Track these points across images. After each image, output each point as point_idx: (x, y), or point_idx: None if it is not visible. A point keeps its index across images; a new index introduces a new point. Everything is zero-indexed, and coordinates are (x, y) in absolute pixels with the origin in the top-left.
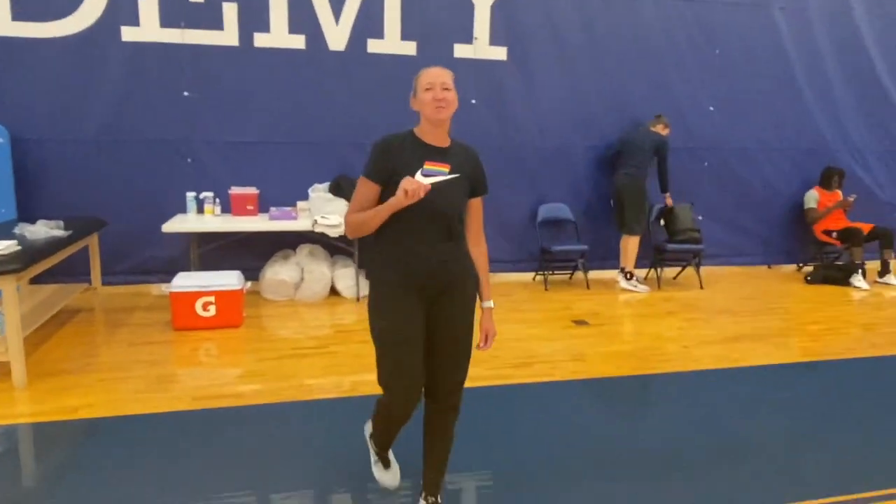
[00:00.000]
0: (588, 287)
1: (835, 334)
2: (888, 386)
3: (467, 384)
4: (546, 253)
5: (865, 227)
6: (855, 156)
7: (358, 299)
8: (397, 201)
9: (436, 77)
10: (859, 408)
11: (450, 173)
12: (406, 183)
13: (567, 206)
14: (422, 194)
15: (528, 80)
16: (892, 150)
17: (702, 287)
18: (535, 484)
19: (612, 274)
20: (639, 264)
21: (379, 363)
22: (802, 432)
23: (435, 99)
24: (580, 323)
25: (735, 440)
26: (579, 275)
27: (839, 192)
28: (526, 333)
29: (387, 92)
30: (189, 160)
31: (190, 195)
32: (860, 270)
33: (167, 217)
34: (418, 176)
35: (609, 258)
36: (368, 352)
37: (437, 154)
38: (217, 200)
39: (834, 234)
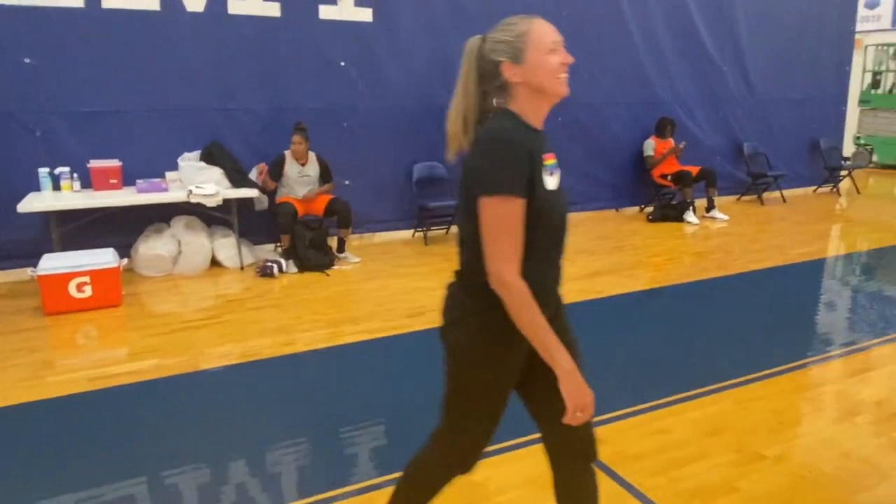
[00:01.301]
0: None
1: (674, 263)
2: (716, 302)
3: (368, 336)
4: (423, 210)
5: (694, 170)
6: (682, 107)
7: (242, 268)
8: (571, 382)
9: (557, 33)
10: (698, 321)
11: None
12: (590, 404)
13: (441, 164)
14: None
15: (395, 41)
16: (712, 101)
17: None
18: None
19: None
20: None
21: (469, 407)
22: (651, 346)
23: (563, 64)
24: None
25: (598, 357)
26: (455, 229)
27: (671, 140)
28: (414, 286)
29: (250, 55)
30: (37, 133)
31: (43, 171)
32: (691, 207)
33: (19, 197)
34: (546, 178)
35: None
36: (265, 317)
37: (544, 141)
38: (75, 175)
39: (669, 177)
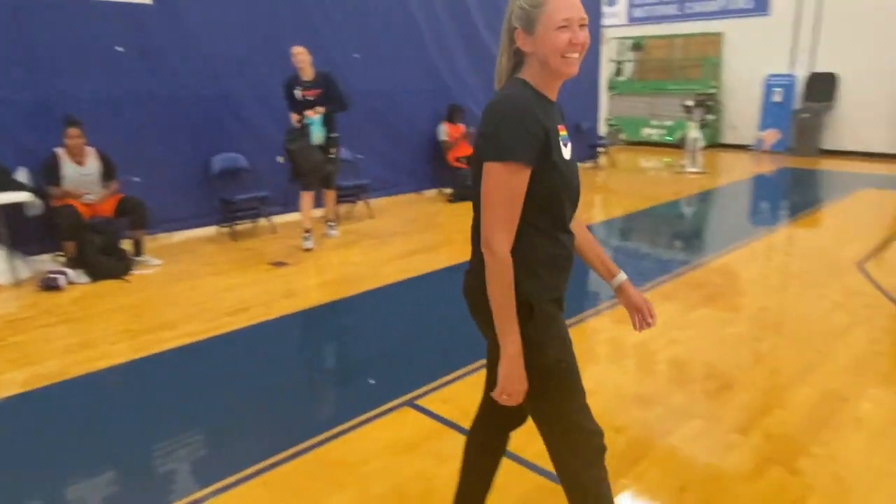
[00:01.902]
0: (276, 231)
1: (458, 241)
2: None
3: (190, 339)
4: (227, 204)
5: None
6: (469, 95)
7: (17, 283)
8: (511, 367)
9: (575, 9)
10: None
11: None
12: (518, 392)
13: (242, 155)
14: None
15: (180, 26)
16: (494, 91)
17: (372, 217)
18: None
19: (296, 217)
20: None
21: (564, 407)
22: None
23: (573, 44)
24: (279, 264)
25: (433, 325)
26: (263, 221)
27: (462, 125)
28: (229, 283)
29: (4, 38)
30: None
31: None
32: None
33: None
34: (563, 148)
35: (289, 203)
36: (60, 334)
37: (558, 112)
38: None
39: (463, 160)
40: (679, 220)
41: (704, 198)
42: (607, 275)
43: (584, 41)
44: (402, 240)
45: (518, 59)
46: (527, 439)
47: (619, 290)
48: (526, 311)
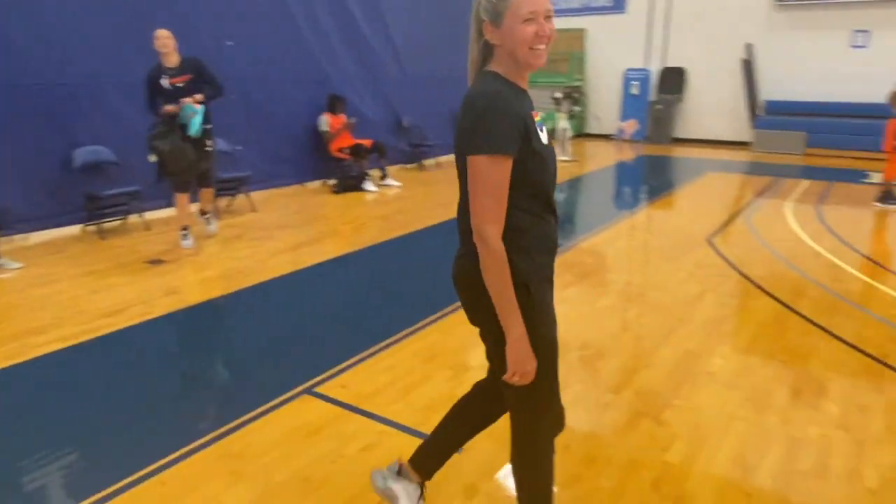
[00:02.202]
0: (149, 228)
1: (366, 228)
2: (409, 255)
3: (60, 345)
4: (93, 200)
5: (367, 143)
6: (349, 85)
7: None
8: (518, 349)
9: (540, 2)
10: (398, 272)
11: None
12: (530, 371)
13: (107, 148)
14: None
15: (27, 5)
16: (374, 81)
17: (255, 210)
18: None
19: (171, 212)
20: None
21: (537, 385)
22: (365, 299)
23: (538, 36)
24: (156, 262)
25: (323, 317)
26: (134, 218)
27: (343, 116)
28: (102, 283)
29: None
30: None
31: None
32: (368, 177)
33: None
34: (540, 133)
35: (161, 197)
36: None
37: (530, 100)
38: None
39: (346, 151)
40: None
41: (574, 184)
42: None
43: (550, 33)
44: (287, 232)
45: (487, 51)
46: (425, 415)
47: None
48: (523, 292)
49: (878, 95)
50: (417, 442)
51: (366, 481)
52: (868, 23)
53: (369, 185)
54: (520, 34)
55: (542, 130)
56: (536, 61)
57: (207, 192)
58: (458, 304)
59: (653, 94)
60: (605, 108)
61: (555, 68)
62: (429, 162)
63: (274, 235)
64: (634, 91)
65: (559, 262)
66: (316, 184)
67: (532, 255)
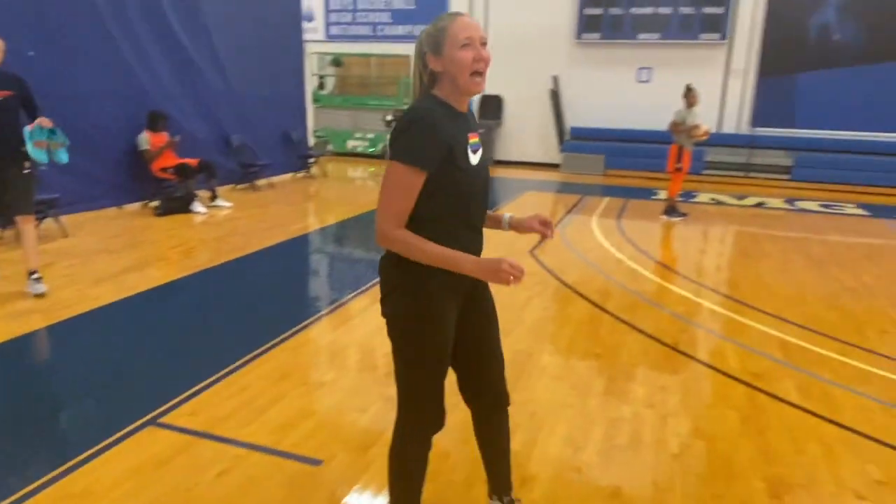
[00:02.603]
0: None
1: (198, 250)
2: (245, 276)
3: None
4: None
5: (193, 162)
6: (172, 102)
7: None
8: (482, 271)
9: (475, 30)
10: (237, 295)
11: (480, 141)
12: (508, 266)
13: None
14: (521, 279)
15: None
16: (197, 96)
17: (67, 236)
18: None
19: None
20: None
21: (412, 385)
22: (207, 322)
23: (476, 60)
24: None
25: (162, 344)
26: None
27: (166, 134)
28: None
29: None
30: None
31: None
32: (196, 198)
33: None
34: (470, 154)
35: None
36: None
37: (468, 122)
38: None
39: (170, 170)
40: None
41: None
42: (497, 224)
43: (486, 57)
44: (110, 258)
45: (432, 80)
46: (282, 434)
47: (513, 225)
48: (422, 300)
49: (662, 124)
50: (278, 461)
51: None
52: (650, 61)
53: (198, 207)
54: (459, 59)
55: (474, 151)
56: (475, 88)
57: (28, 228)
58: (304, 322)
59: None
60: None
61: (384, 91)
62: (261, 182)
63: (93, 262)
64: None
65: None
66: (136, 206)
67: (432, 272)
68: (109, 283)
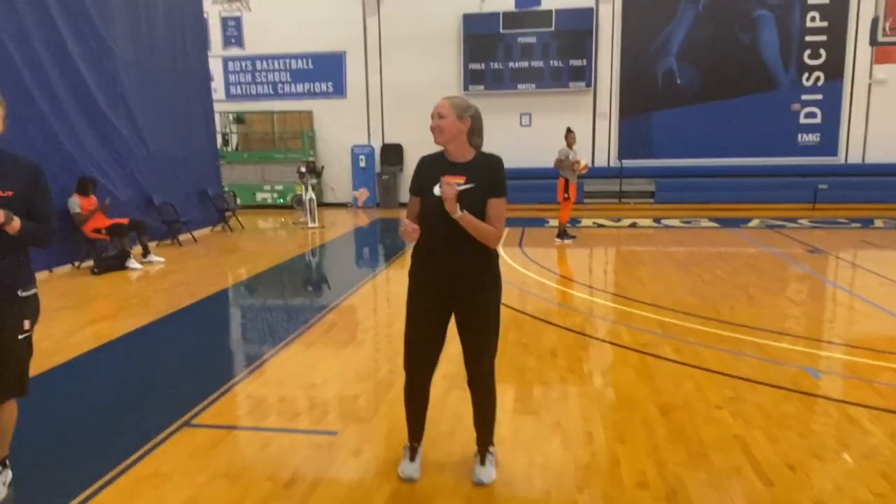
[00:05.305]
0: None
1: (148, 302)
2: (205, 320)
3: None
4: None
5: (124, 221)
6: (96, 167)
7: None
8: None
9: (435, 108)
10: (199, 341)
11: (466, 184)
12: (402, 229)
13: None
14: (413, 236)
15: None
16: (119, 160)
17: None
18: None
19: None
20: None
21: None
22: (165, 374)
23: (432, 127)
24: None
25: (135, 384)
26: None
27: (94, 197)
28: None
29: None
30: None
31: None
32: (130, 255)
33: None
34: (435, 188)
35: None
36: None
37: (456, 168)
38: None
39: (103, 231)
40: (310, 271)
41: (326, 248)
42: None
43: (436, 123)
44: (69, 315)
45: None
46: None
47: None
48: (409, 276)
49: (545, 161)
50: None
51: None
52: (530, 108)
53: (133, 263)
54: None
55: (440, 186)
56: (434, 141)
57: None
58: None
59: (378, 167)
60: (338, 179)
61: (290, 145)
62: (184, 237)
63: (53, 318)
64: (362, 164)
65: (321, 325)
66: (66, 268)
67: (414, 256)
68: (85, 330)
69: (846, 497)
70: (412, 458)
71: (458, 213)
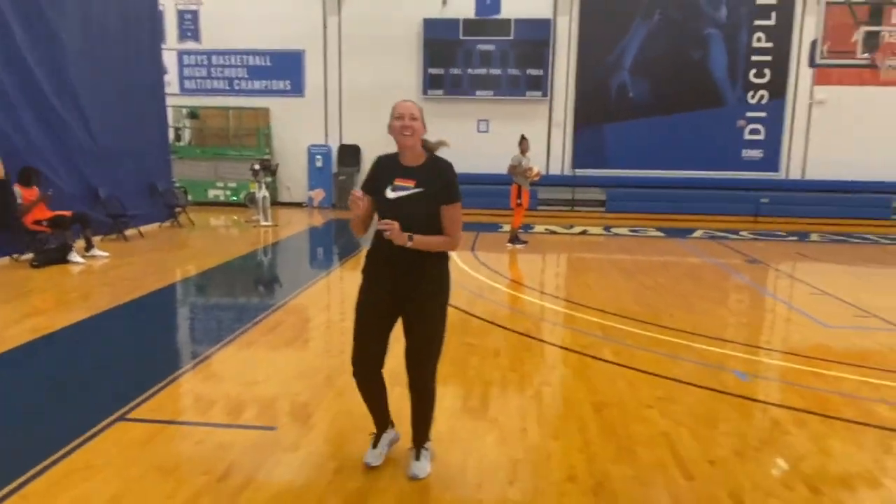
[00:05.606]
0: None
1: (89, 296)
2: (152, 316)
3: None
4: None
5: (67, 214)
6: (41, 158)
7: None
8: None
9: (405, 109)
10: (137, 340)
11: (415, 188)
12: (352, 195)
13: None
14: (359, 205)
15: None
16: (65, 151)
17: None
18: None
19: None
20: None
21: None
22: (109, 368)
23: (402, 126)
24: None
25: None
26: None
27: (36, 188)
28: None
29: None
30: None
31: None
32: (73, 248)
33: None
34: (388, 191)
35: None
36: None
37: (407, 172)
38: None
39: (44, 223)
40: (260, 269)
41: (277, 247)
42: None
43: (409, 123)
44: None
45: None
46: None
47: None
48: (362, 271)
49: (501, 168)
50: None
51: None
52: (487, 114)
53: (75, 257)
54: (393, 126)
55: (393, 190)
56: (404, 141)
57: None
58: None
59: (335, 167)
60: (293, 179)
61: (244, 142)
62: (130, 232)
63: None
64: (319, 164)
65: (265, 325)
66: (3, 260)
67: (368, 255)
68: (15, 328)
69: (761, 491)
70: (374, 446)
71: (409, 243)
